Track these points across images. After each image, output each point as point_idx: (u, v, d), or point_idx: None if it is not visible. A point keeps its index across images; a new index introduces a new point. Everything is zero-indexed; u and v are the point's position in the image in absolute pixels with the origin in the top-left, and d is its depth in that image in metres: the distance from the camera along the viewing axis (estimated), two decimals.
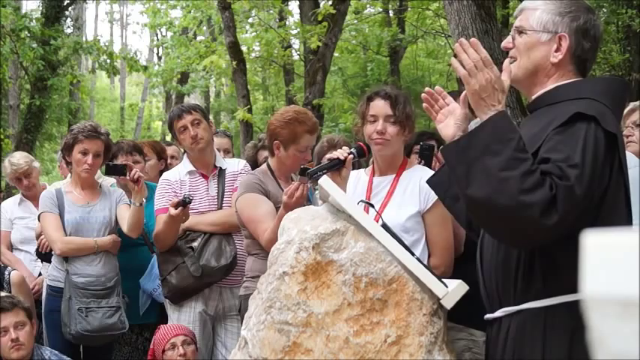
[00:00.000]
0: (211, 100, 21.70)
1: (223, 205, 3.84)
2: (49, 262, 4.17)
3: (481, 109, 1.99)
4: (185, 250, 3.74)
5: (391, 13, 14.58)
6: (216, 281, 3.75)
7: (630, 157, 3.10)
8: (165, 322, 3.79)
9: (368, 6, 15.35)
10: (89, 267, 3.84)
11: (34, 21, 12.39)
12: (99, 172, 4.25)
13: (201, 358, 3.70)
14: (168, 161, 4.87)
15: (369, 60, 15.81)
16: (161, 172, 4.37)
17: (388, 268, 2.16)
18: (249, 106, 10.39)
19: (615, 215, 1.94)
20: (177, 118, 3.85)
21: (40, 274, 4.57)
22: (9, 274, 4.03)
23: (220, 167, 3.92)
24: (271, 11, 13.43)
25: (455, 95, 4.48)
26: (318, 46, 9.58)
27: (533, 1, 2.16)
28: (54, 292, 3.89)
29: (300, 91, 11.77)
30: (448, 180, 2.27)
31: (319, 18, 9.72)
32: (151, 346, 3.63)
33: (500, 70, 2.04)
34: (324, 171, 2.76)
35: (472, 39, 2.08)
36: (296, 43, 13.09)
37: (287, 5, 13.58)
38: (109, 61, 13.53)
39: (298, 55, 12.88)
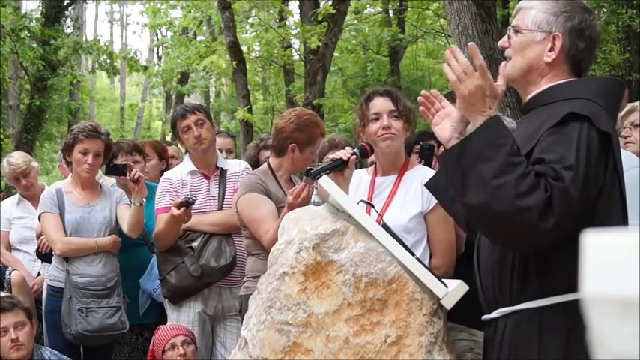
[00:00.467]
0: (211, 100, 21.69)
1: (224, 205, 3.84)
2: (49, 262, 4.17)
3: (472, 115, 2.00)
4: (185, 250, 3.74)
5: (391, 13, 14.58)
6: (216, 281, 3.75)
7: (630, 157, 3.10)
8: (165, 322, 3.79)
9: (368, 6, 15.35)
10: (90, 267, 3.85)
11: (34, 21, 12.39)
12: (99, 172, 4.25)
13: (201, 358, 3.70)
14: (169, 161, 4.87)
15: (369, 60, 15.81)
16: (162, 173, 4.37)
17: (388, 268, 2.16)
18: (249, 106, 10.38)
19: (610, 215, 1.94)
20: (181, 118, 3.85)
21: (39, 274, 4.57)
22: (10, 275, 4.03)
23: (222, 168, 3.93)
24: (271, 11, 13.42)
25: (455, 95, 4.48)
26: (318, 46, 9.58)
27: (529, 1, 2.16)
28: (54, 292, 3.89)
29: (300, 91, 11.77)
30: (445, 182, 2.28)
31: (319, 18, 9.71)
32: (151, 346, 3.63)
33: (495, 76, 2.05)
34: (327, 171, 2.76)
35: (470, 44, 2.09)
36: (296, 43, 13.09)
37: (287, 5, 13.58)
38: (109, 61, 13.52)
39: (298, 55, 12.88)
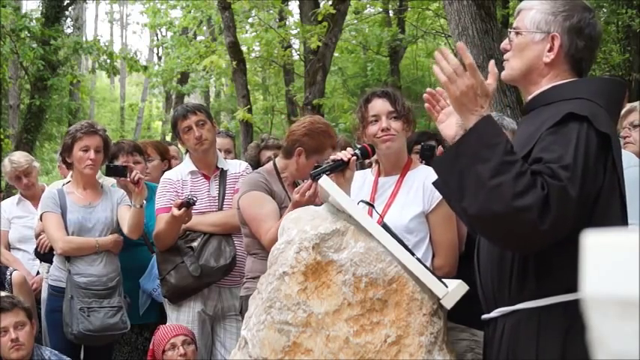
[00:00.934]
0: (211, 100, 21.69)
1: (224, 206, 3.84)
2: (48, 261, 4.17)
3: (464, 114, 1.99)
4: (184, 250, 3.74)
5: (391, 13, 14.58)
6: (215, 281, 3.75)
7: (629, 157, 3.10)
8: (165, 322, 3.79)
9: (368, 6, 15.35)
10: (91, 267, 3.85)
11: (34, 21, 12.39)
12: (99, 172, 4.25)
13: (201, 358, 3.70)
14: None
15: (369, 60, 15.81)
16: (164, 173, 4.36)
17: (388, 268, 2.16)
18: (249, 106, 10.38)
19: (609, 216, 1.93)
20: (182, 118, 3.85)
21: (37, 273, 4.57)
22: (10, 275, 4.03)
23: (222, 168, 3.93)
24: (271, 11, 13.42)
25: None
26: (318, 46, 9.57)
27: (529, 1, 2.16)
28: (55, 291, 3.89)
29: (300, 91, 11.76)
30: (442, 186, 2.27)
31: (319, 18, 9.71)
32: (151, 346, 3.63)
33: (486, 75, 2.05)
34: (328, 172, 2.76)
35: (459, 43, 2.09)
36: (296, 43, 13.09)
37: (287, 5, 13.57)
38: (109, 61, 13.53)
39: (298, 55, 12.87)
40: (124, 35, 37.04)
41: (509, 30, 2.20)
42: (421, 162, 3.35)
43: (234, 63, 10.24)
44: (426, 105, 2.25)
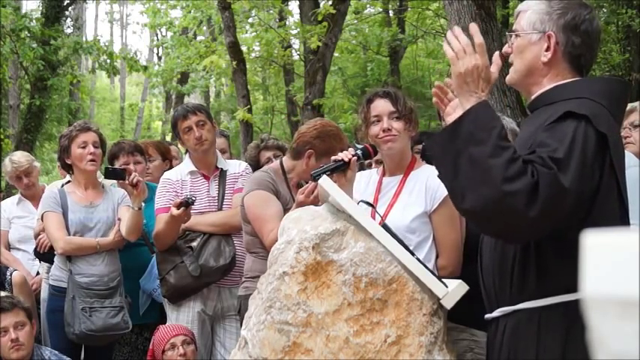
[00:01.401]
0: (211, 100, 21.69)
1: (223, 206, 3.84)
2: (47, 261, 4.17)
3: (463, 94, 1.99)
4: (184, 250, 3.74)
5: (391, 13, 14.58)
6: (215, 281, 3.75)
7: (630, 157, 3.10)
8: (165, 322, 3.79)
9: (368, 6, 15.35)
10: (92, 267, 3.85)
11: (34, 21, 12.39)
12: (98, 172, 4.25)
13: (200, 358, 3.70)
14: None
15: (369, 60, 15.81)
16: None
17: (388, 268, 2.16)
18: (249, 106, 10.38)
19: (607, 216, 1.93)
20: (182, 118, 3.85)
21: (37, 274, 4.57)
22: (11, 275, 4.03)
23: (222, 168, 3.93)
24: (271, 11, 13.42)
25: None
26: (318, 46, 9.57)
27: (526, 3, 2.16)
28: (56, 291, 3.89)
29: (300, 91, 11.76)
30: (437, 163, 2.27)
31: (319, 18, 9.71)
32: (151, 346, 3.63)
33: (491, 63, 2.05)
34: (329, 172, 2.76)
35: (472, 24, 2.09)
36: (296, 43, 13.09)
37: (287, 5, 13.58)
38: (109, 61, 13.53)
39: (298, 55, 12.87)
40: (124, 35, 37.06)
41: (507, 33, 2.20)
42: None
43: (234, 63, 10.24)
44: (434, 99, 2.25)
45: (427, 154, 3.51)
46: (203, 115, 3.87)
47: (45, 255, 4.21)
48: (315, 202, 2.94)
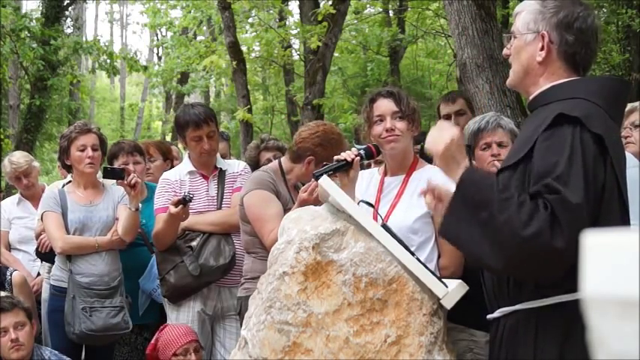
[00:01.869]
0: (211, 100, 21.68)
1: (223, 205, 3.84)
2: (49, 261, 4.17)
3: (452, 169, 2.04)
4: (184, 250, 3.74)
5: (391, 13, 14.57)
6: (215, 281, 3.75)
7: (630, 158, 3.09)
8: (165, 322, 3.78)
9: (368, 6, 15.34)
10: (93, 267, 3.85)
11: (34, 21, 12.38)
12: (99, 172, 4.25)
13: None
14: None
15: (369, 60, 15.80)
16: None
17: (388, 268, 2.16)
18: (249, 106, 10.37)
19: (609, 217, 1.92)
20: (195, 126, 3.75)
21: (38, 274, 4.57)
22: (11, 275, 4.03)
23: (221, 168, 3.93)
24: (271, 11, 13.42)
25: (455, 95, 4.48)
26: (318, 46, 9.56)
27: (522, 3, 2.17)
28: (57, 291, 3.89)
29: (300, 91, 11.76)
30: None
31: (319, 18, 9.71)
32: (153, 343, 3.60)
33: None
34: (331, 172, 2.75)
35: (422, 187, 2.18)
36: (296, 43, 13.09)
37: (287, 5, 13.57)
38: (109, 61, 13.52)
39: (298, 55, 12.87)
40: (124, 35, 37.08)
41: (504, 35, 2.21)
42: None
43: (234, 63, 10.23)
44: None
45: (426, 154, 3.51)
46: (213, 124, 3.83)
47: (46, 255, 4.22)
48: (317, 201, 2.94)
